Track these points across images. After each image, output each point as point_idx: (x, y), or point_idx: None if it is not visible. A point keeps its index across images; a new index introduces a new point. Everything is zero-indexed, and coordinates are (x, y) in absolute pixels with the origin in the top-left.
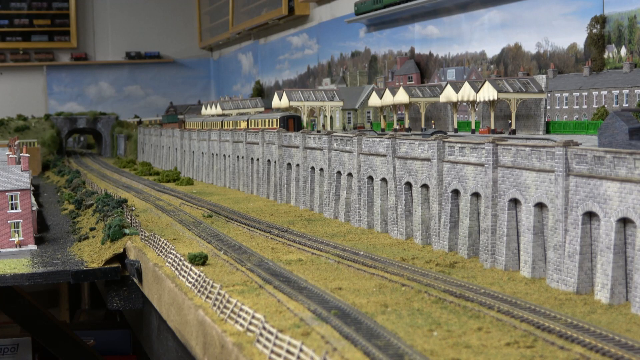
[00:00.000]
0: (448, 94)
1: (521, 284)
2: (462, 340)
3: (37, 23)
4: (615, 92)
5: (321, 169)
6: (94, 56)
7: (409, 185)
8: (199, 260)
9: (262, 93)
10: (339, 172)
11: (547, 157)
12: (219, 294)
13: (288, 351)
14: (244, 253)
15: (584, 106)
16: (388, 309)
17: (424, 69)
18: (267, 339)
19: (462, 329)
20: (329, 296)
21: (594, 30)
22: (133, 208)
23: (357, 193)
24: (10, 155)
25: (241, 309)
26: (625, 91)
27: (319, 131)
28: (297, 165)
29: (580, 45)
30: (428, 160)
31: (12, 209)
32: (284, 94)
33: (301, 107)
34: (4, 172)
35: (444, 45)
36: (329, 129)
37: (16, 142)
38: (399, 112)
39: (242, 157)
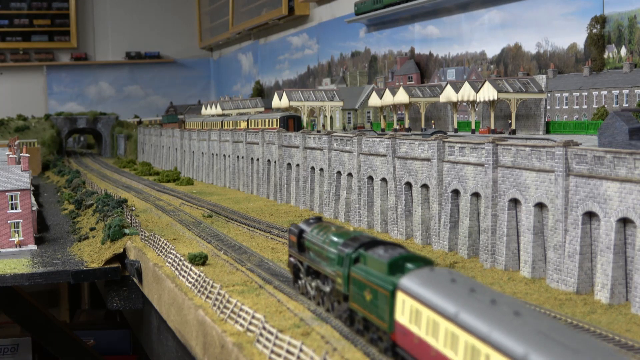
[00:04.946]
0: (448, 94)
1: (521, 284)
2: None
3: (37, 23)
4: (615, 92)
5: (321, 169)
6: (94, 56)
7: (409, 185)
8: (199, 260)
9: (262, 93)
10: (339, 172)
11: (547, 157)
12: (219, 294)
13: (288, 351)
14: (244, 253)
15: (584, 106)
16: None
17: (424, 69)
18: (267, 339)
19: None
20: None
21: (594, 30)
22: (133, 208)
23: (357, 193)
24: (10, 155)
25: (241, 309)
26: (625, 91)
27: (319, 131)
28: (297, 165)
29: (580, 45)
30: (428, 160)
31: (12, 209)
32: (284, 94)
33: (301, 107)
34: (4, 172)
35: (444, 45)
36: (329, 129)
37: (16, 142)
38: (399, 112)
39: (242, 157)
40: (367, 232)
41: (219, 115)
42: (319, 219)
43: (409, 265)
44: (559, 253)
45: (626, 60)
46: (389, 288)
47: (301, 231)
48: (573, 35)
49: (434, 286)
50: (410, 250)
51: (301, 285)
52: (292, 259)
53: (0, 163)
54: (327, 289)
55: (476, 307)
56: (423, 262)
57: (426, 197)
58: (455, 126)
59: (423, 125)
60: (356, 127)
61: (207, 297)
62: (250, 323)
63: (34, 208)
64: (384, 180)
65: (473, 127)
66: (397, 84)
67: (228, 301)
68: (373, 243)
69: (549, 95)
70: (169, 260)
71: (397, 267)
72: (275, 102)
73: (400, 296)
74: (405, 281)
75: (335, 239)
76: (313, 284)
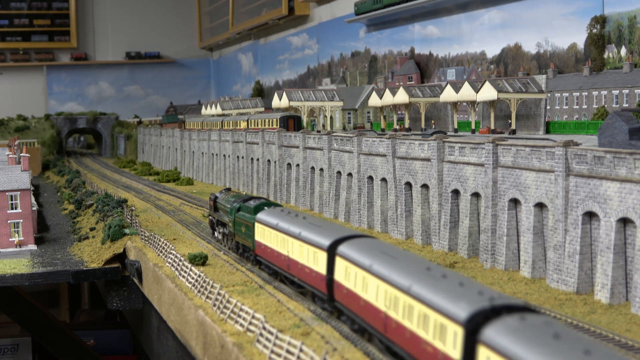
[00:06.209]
0: (448, 94)
1: (521, 284)
2: None
3: (37, 23)
4: (615, 92)
5: (321, 169)
6: (94, 56)
7: (409, 185)
8: (199, 260)
9: (262, 93)
10: (339, 172)
11: (547, 157)
12: (219, 294)
13: (288, 351)
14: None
15: (584, 106)
16: None
17: (424, 69)
18: (267, 339)
19: None
20: None
21: (594, 30)
22: (133, 208)
23: (357, 193)
24: (10, 155)
25: (241, 309)
26: (625, 91)
27: (319, 131)
28: (297, 165)
29: (580, 45)
30: (428, 160)
31: (12, 209)
32: (284, 94)
33: (301, 107)
34: (4, 172)
35: (444, 45)
36: (329, 129)
37: (16, 142)
38: (399, 112)
39: (242, 157)
40: (367, 232)
41: (219, 115)
42: (228, 189)
43: (265, 207)
44: (559, 253)
45: (626, 60)
46: (252, 221)
47: (216, 197)
48: (573, 35)
49: (272, 215)
50: (269, 200)
51: (216, 235)
52: (210, 217)
53: (0, 163)
54: (226, 232)
55: (287, 219)
56: (275, 205)
57: (426, 197)
58: (455, 126)
59: (423, 125)
60: (356, 127)
61: (207, 297)
62: (250, 323)
63: (34, 208)
64: (384, 180)
65: (473, 127)
66: (397, 84)
67: (228, 301)
68: (249, 198)
69: (549, 95)
70: (169, 260)
71: (258, 209)
72: (275, 102)
73: (256, 225)
74: (259, 215)
75: (230, 199)
76: (220, 231)
